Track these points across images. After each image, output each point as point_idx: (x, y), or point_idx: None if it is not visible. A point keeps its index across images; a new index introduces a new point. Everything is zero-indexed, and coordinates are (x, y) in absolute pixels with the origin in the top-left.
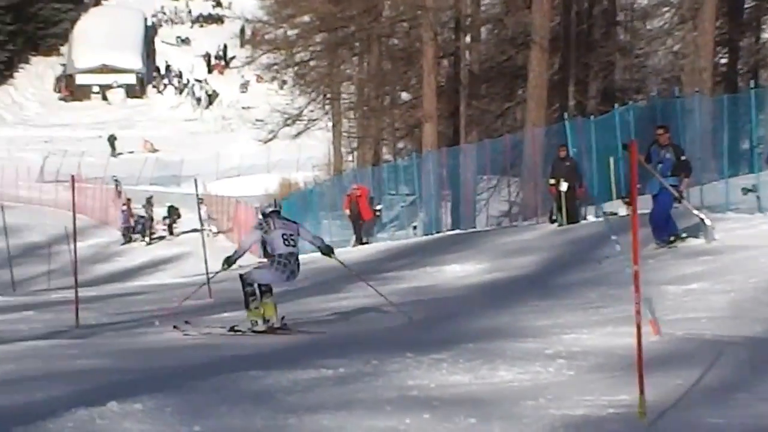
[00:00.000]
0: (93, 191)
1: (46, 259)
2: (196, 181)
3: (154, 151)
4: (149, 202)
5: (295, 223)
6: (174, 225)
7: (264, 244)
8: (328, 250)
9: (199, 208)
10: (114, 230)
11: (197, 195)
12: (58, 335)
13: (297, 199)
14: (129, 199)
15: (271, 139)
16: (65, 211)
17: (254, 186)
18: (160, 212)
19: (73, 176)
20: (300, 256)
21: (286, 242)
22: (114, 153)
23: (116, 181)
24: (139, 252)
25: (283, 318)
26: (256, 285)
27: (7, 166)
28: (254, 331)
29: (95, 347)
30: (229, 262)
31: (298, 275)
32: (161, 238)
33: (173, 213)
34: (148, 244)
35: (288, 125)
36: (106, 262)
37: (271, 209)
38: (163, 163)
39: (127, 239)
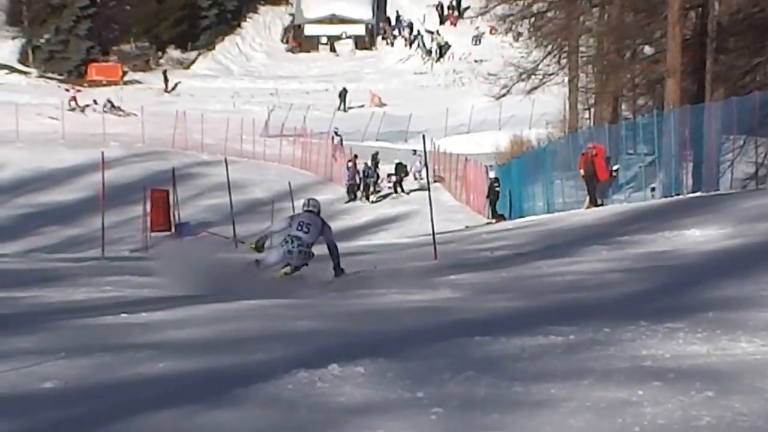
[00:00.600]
0: (318, 146)
1: (269, 215)
2: (424, 137)
3: (382, 105)
4: (375, 159)
5: (324, 222)
6: (401, 182)
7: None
8: (338, 271)
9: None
10: (339, 187)
11: (424, 151)
12: (278, 295)
13: (529, 158)
14: (355, 156)
15: (504, 95)
16: (289, 167)
17: (485, 143)
18: (386, 169)
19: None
20: (528, 218)
21: (299, 227)
22: (344, 107)
23: (337, 133)
24: (364, 210)
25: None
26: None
27: (231, 119)
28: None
29: (317, 309)
30: (256, 243)
31: (298, 260)
32: (386, 195)
33: (400, 170)
34: (374, 201)
35: (522, 80)
36: (330, 220)
37: (305, 208)
38: (391, 119)
39: (352, 197)
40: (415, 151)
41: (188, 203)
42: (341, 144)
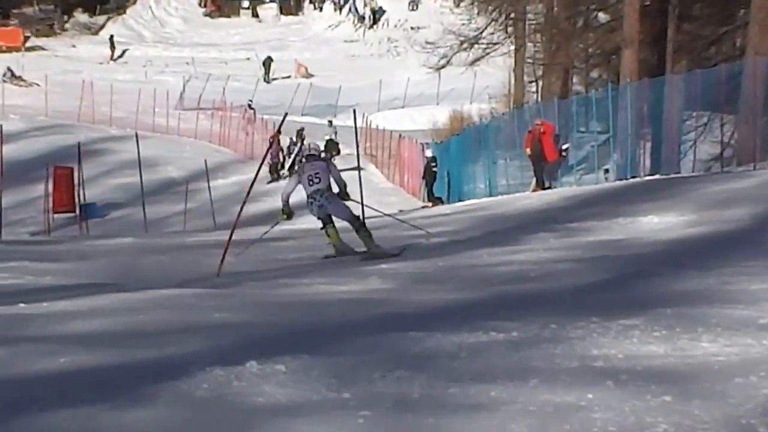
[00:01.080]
0: (238, 121)
1: (182, 197)
2: (355, 112)
3: (309, 76)
4: (300, 135)
5: (324, 161)
6: (333, 160)
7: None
8: (345, 196)
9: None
10: (264, 167)
11: (354, 128)
12: (194, 284)
13: (470, 136)
14: (278, 132)
15: (443, 66)
16: (206, 143)
17: (421, 119)
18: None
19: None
20: (468, 202)
21: (311, 181)
22: (267, 78)
23: (250, 106)
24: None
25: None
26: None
27: (143, 90)
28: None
29: (235, 299)
30: (283, 212)
31: (329, 205)
32: None
33: (331, 148)
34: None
35: (464, 50)
36: (251, 202)
37: (307, 153)
38: (319, 91)
39: (275, 177)
40: (330, 122)
41: (95, 182)
42: (254, 116)
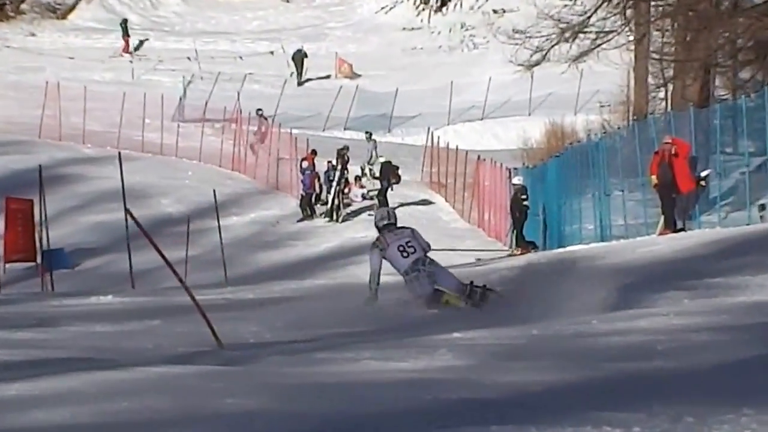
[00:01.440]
0: (259, 136)
1: (182, 240)
2: (430, 131)
3: (354, 76)
4: (342, 157)
5: (406, 228)
6: (387, 192)
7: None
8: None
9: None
10: (289, 199)
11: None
12: (197, 359)
13: (574, 157)
14: (313, 152)
15: (537, 63)
16: (215, 167)
17: (507, 135)
18: (358, 171)
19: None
20: (571, 248)
21: (404, 254)
22: (299, 78)
23: (261, 114)
24: (325, 232)
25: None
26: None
27: (129, 95)
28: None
29: (252, 380)
30: (373, 297)
31: (438, 272)
32: (360, 211)
33: (388, 173)
34: (338, 220)
35: (565, 41)
36: (275, 247)
37: (384, 222)
38: (367, 96)
39: (307, 213)
40: (369, 134)
41: (62, 220)
42: (263, 127)
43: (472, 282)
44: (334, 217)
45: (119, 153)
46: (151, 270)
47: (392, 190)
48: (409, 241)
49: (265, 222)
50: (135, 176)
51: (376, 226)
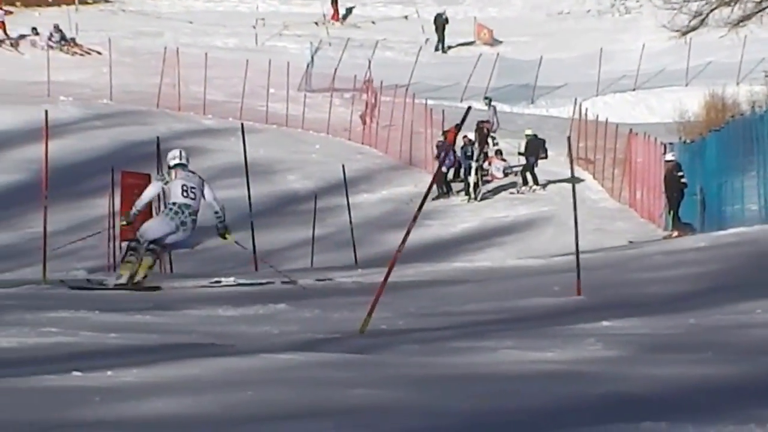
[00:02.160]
0: (391, 108)
1: (309, 218)
2: (577, 102)
3: (494, 43)
4: (481, 131)
5: (200, 178)
6: (533, 168)
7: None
8: (222, 229)
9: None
10: (424, 175)
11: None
12: (325, 346)
13: (736, 132)
14: (457, 126)
15: (694, 29)
16: (344, 141)
17: (662, 107)
18: (503, 147)
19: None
20: (733, 231)
21: (185, 193)
22: (442, 45)
23: (368, 82)
24: (463, 212)
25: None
26: (144, 242)
27: (254, 63)
28: (116, 285)
29: (384, 370)
30: (128, 218)
31: (191, 231)
32: (497, 189)
33: (535, 149)
34: (477, 198)
35: (726, 4)
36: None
37: (175, 161)
38: (509, 65)
39: (443, 191)
40: (489, 100)
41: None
42: (376, 98)
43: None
44: (473, 195)
45: (242, 124)
46: (277, 251)
47: (537, 166)
48: (194, 188)
49: (398, 200)
50: (258, 150)
51: (168, 164)
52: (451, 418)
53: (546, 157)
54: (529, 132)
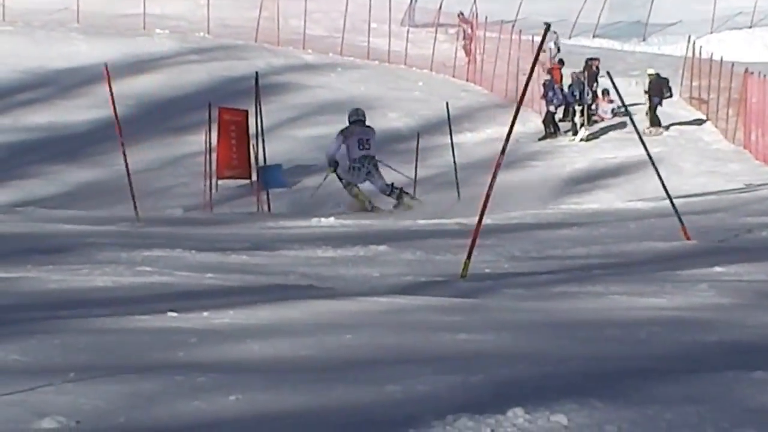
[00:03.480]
0: (497, 45)
1: (411, 158)
2: (691, 39)
3: None
4: (590, 69)
5: (371, 128)
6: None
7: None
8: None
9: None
10: (530, 114)
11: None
12: (427, 290)
13: None
14: (561, 62)
15: None
16: (448, 77)
17: None
18: (606, 85)
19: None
20: None
21: (361, 146)
22: None
23: (462, 16)
24: (570, 153)
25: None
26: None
27: None
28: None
29: (486, 314)
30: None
31: (378, 178)
32: (605, 129)
33: (658, 88)
34: (585, 138)
35: None
36: (513, 168)
37: (354, 118)
38: (619, 0)
39: (551, 131)
40: (548, 26)
41: (279, 133)
42: (471, 32)
43: (392, 184)
44: (581, 135)
45: (342, 60)
46: (376, 191)
47: (661, 105)
48: (369, 139)
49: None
50: (359, 86)
51: (349, 120)
52: (560, 365)
53: (671, 96)
54: (651, 71)
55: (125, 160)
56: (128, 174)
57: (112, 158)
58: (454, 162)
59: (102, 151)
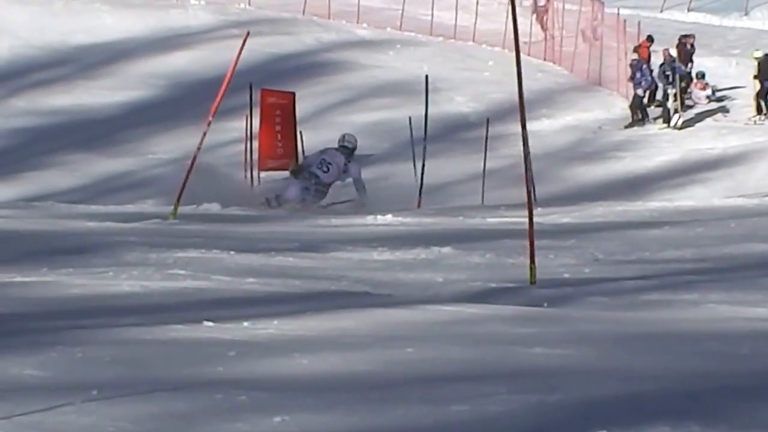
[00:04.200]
0: (577, 19)
1: (479, 147)
2: None
3: None
4: (684, 45)
5: (348, 162)
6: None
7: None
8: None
9: None
10: (615, 98)
11: None
12: (498, 297)
13: None
14: (649, 38)
15: None
16: (523, 56)
17: None
18: (702, 66)
19: None
20: None
21: (320, 165)
22: None
23: None
24: (660, 142)
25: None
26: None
27: None
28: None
29: (565, 325)
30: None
31: (315, 198)
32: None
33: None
34: (678, 125)
35: None
36: (596, 159)
37: (340, 144)
38: None
39: (638, 117)
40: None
41: (330, 118)
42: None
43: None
44: (673, 122)
45: (402, 36)
46: (443, 185)
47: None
48: (330, 163)
49: (585, 127)
50: (421, 65)
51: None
52: (651, 383)
53: None
54: (758, 53)
55: (200, 145)
56: (192, 164)
57: (141, 146)
58: (527, 153)
59: (130, 139)
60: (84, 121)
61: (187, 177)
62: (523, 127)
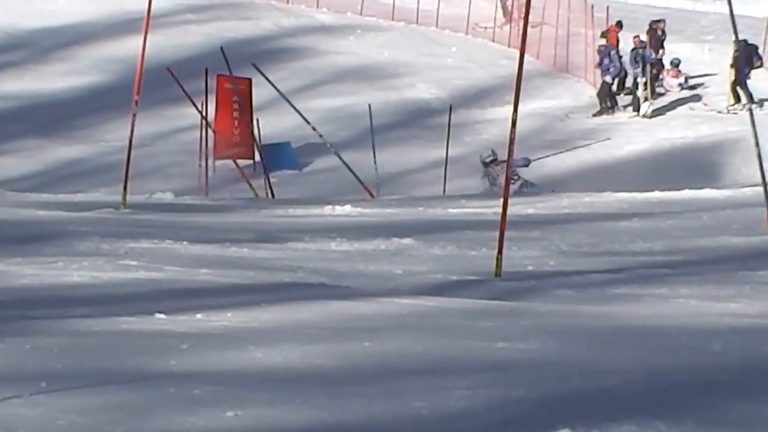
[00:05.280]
0: (543, 3)
1: (441, 135)
2: None
3: None
4: (654, 30)
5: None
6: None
7: None
8: None
9: None
10: (583, 85)
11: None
12: (460, 290)
13: None
14: (618, 24)
15: None
16: (487, 42)
17: None
18: (674, 52)
19: None
20: None
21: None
22: None
23: None
24: (630, 131)
25: None
26: None
27: None
28: None
29: (530, 319)
30: None
31: None
32: (674, 104)
33: (747, 55)
34: (648, 114)
35: None
36: (563, 148)
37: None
38: None
39: (605, 105)
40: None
41: (286, 105)
42: None
43: None
44: (642, 110)
45: (361, 18)
46: (402, 173)
47: (749, 78)
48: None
49: (551, 115)
50: (383, 51)
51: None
52: (617, 379)
53: (761, 65)
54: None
55: (131, 136)
56: (129, 151)
57: (95, 133)
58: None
59: (83, 125)
60: (36, 106)
61: (127, 166)
62: (515, 109)
